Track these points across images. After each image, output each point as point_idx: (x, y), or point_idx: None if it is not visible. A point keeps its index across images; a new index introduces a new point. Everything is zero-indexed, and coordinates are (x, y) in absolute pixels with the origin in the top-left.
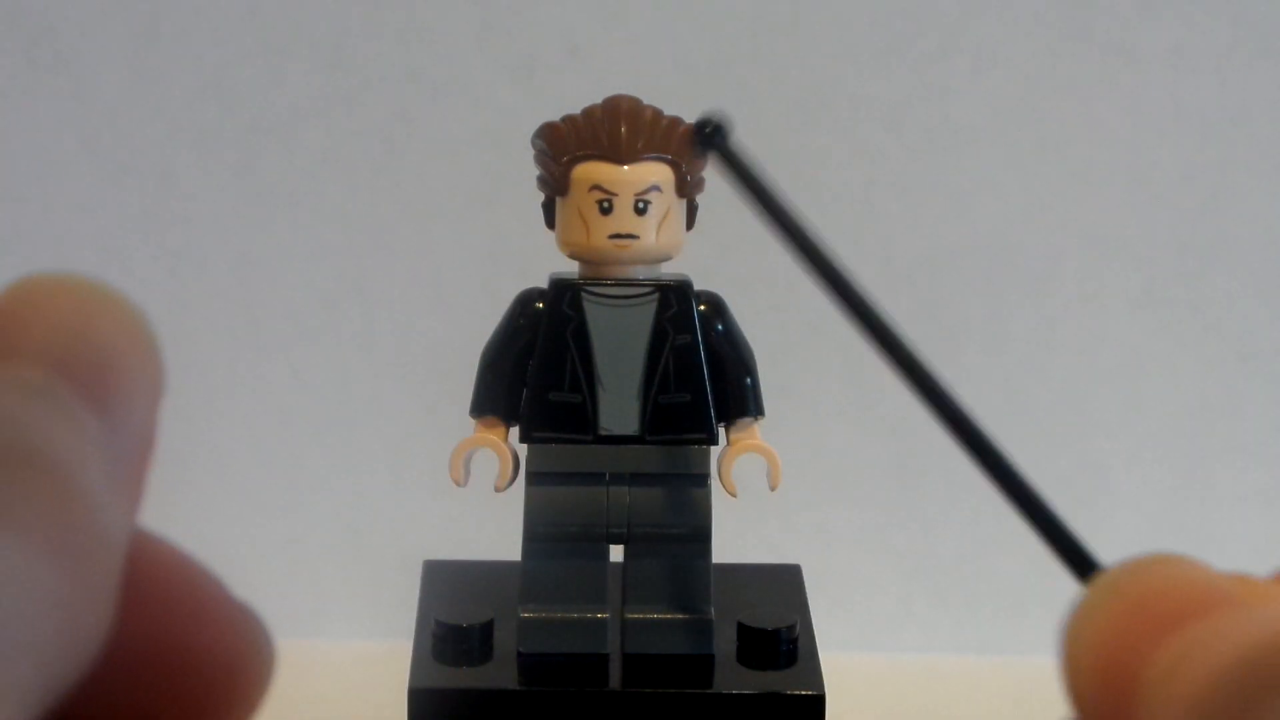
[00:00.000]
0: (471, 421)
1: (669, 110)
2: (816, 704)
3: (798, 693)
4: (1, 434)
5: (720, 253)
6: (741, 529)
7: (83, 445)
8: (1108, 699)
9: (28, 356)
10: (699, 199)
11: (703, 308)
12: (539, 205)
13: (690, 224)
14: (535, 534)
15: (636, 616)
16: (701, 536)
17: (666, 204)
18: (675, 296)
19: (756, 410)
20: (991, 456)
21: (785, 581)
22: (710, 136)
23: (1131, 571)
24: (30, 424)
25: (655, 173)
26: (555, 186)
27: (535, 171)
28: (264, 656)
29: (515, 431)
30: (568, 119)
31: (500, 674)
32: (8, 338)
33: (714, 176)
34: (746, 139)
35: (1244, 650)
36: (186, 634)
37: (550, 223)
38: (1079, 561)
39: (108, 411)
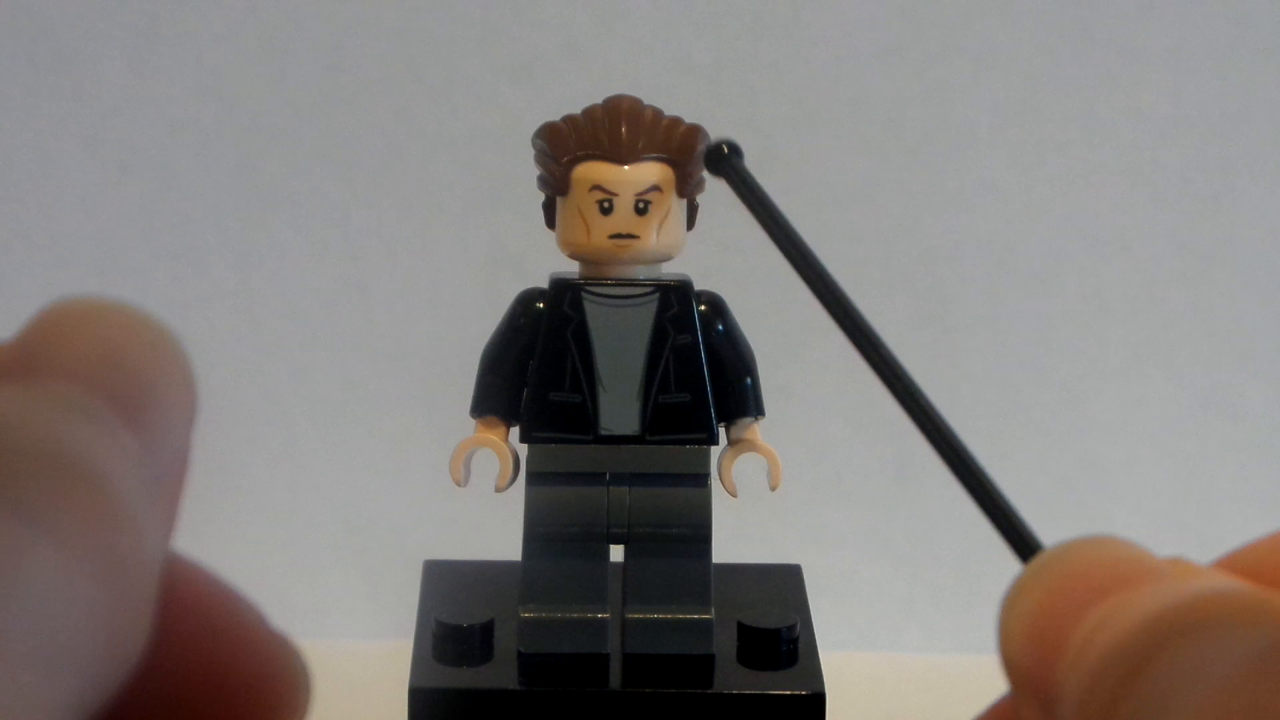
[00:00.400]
0: (472, 421)
1: (669, 110)
2: (816, 704)
3: (798, 693)
4: (43, 445)
5: (720, 253)
6: (741, 529)
7: (122, 461)
8: (1036, 666)
9: (66, 375)
10: (699, 199)
11: (703, 308)
12: (539, 205)
13: (690, 224)
14: (535, 534)
15: (636, 616)
16: (701, 536)
17: (667, 204)
18: (675, 296)
19: (757, 410)
20: (950, 443)
21: (785, 581)
22: (723, 159)
23: (1065, 550)
24: (71, 436)
25: (655, 173)
26: (555, 186)
27: (535, 171)
28: (300, 688)
29: (515, 431)
30: (568, 119)
31: (500, 674)
32: (47, 357)
33: (714, 178)
34: (746, 139)
35: (1153, 611)
36: (224, 662)
37: (550, 223)
38: (1023, 544)
39: (144, 431)
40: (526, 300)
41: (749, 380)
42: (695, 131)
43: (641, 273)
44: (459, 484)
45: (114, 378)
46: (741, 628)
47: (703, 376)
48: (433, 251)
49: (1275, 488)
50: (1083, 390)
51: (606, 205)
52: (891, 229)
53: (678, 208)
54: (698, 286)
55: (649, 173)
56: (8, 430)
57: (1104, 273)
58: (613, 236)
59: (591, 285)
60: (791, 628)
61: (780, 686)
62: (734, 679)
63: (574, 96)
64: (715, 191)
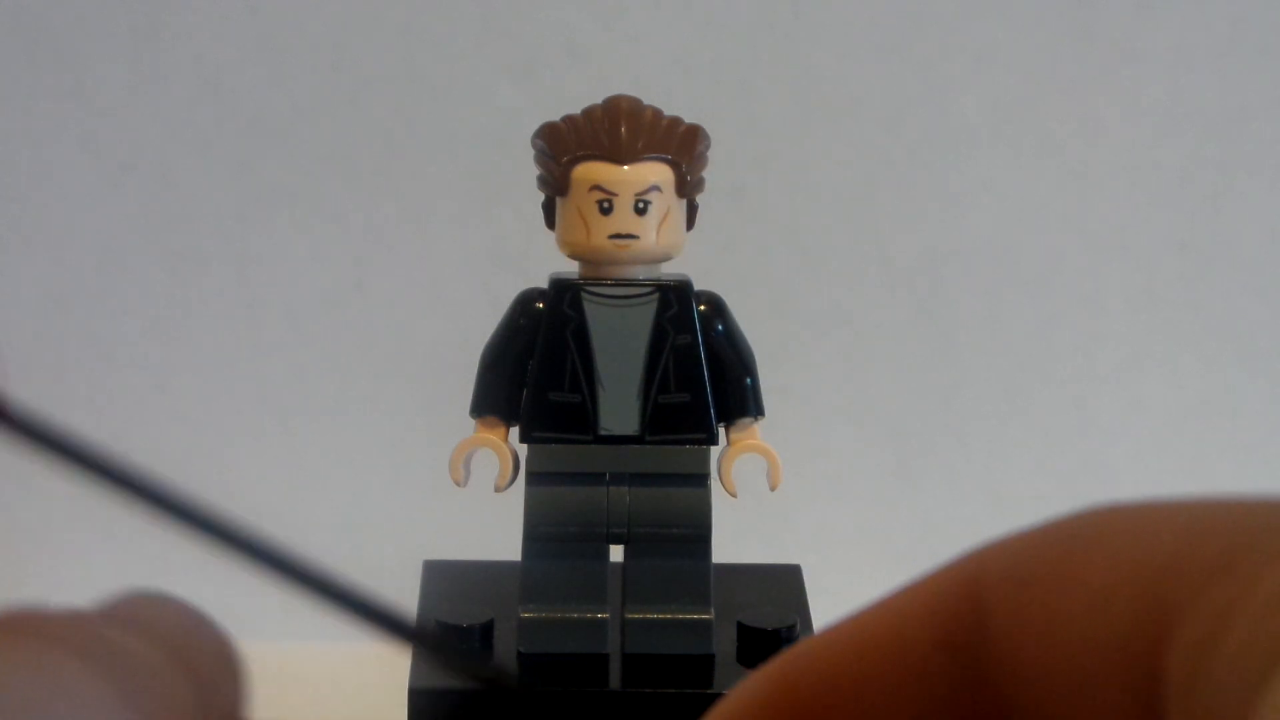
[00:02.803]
0: (471, 421)
1: (669, 110)
2: None
3: None
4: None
5: (720, 253)
6: (741, 529)
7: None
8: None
9: (154, 640)
10: (699, 199)
11: (703, 308)
12: (539, 205)
13: (690, 224)
14: (535, 534)
15: (636, 616)
16: (701, 536)
17: (666, 204)
18: (675, 296)
19: (756, 410)
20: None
21: (785, 581)
22: None
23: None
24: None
25: (655, 173)
26: (555, 186)
27: (535, 171)
28: None
29: (515, 431)
30: (568, 119)
31: (500, 674)
32: (116, 633)
33: (713, 177)
34: (746, 139)
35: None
36: None
37: (550, 223)
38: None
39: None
40: (526, 300)
41: (749, 380)
42: (695, 131)
43: (641, 273)
44: (459, 484)
45: (186, 658)
46: (741, 628)
47: (702, 376)
48: (433, 251)
49: (1275, 488)
50: (1083, 390)
51: (606, 205)
52: (891, 229)
53: (677, 208)
54: (698, 286)
55: (649, 173)
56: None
57: (1104, 273)
58: (612, 236)
59: (591, 285)
60: (791, 628)
61: None
62: (734, 679)
63: (574, 96)
64: (715, 191)
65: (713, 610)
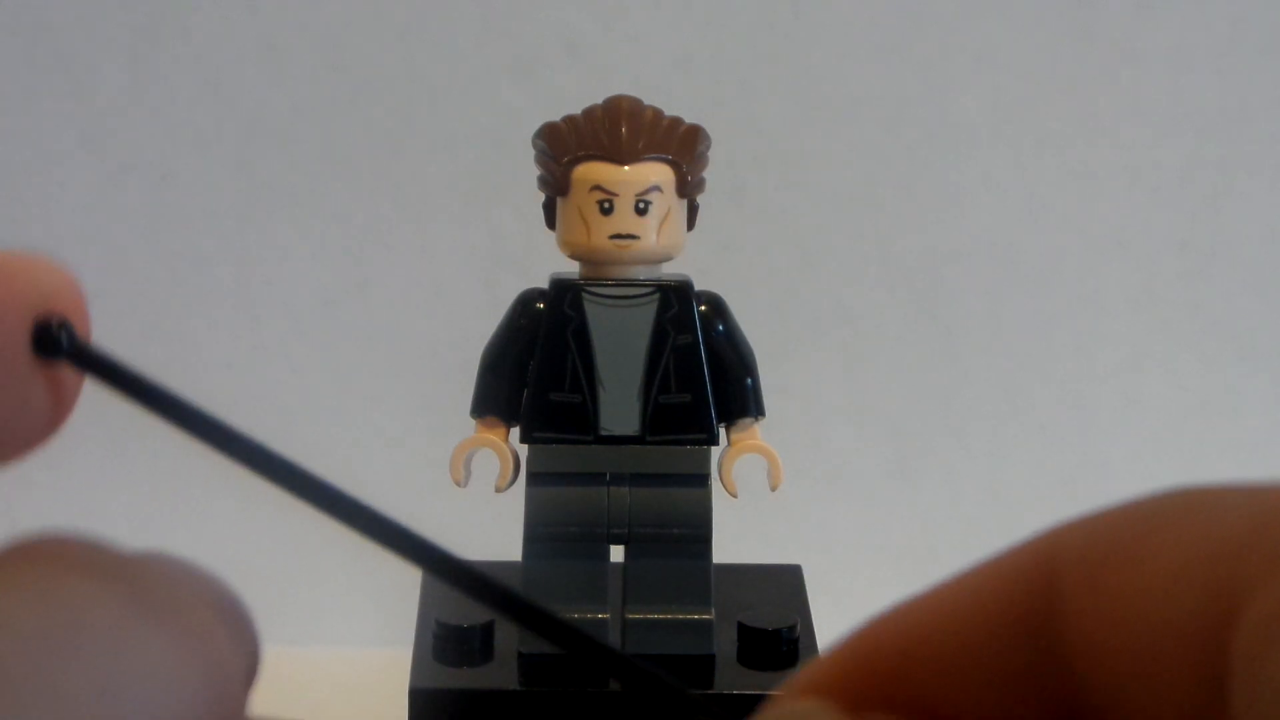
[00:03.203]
0: (472, 422)
1: (669, 110)
2: None
3: None
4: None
5: (720, 253)
6: (741, 529)
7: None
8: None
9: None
10: (699, 199)
11: (703, 308)
12: (539, 205)
13: (691, 224)
14: (535, 534)
15: (637, 616)
16: (701, 537)
17: (667, 204)
18: (676, 297)
19: (757, 410)
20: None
21: (785, 581)
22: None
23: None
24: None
25: (656, 173)
26: (556, 187)
27: (535, 171)
28: None
29: (516, 432)
30: (568, 119)
31: (501, 674)
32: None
33: (713, 177)
34: (746, 139)
35: None
36: None
37: (550, 223)
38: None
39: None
40: (526, 300)
41: (749, 380)
42: (696, 132)
43: (642, 273)
44: (459, 484)
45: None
46: (742, 628)
47: (703, 377)
48: (433, 251)
49: None
50: (1083, 390)
51: (607, 205)
52: (891, 228)
53: (678, 208)
54: (698, 286)
55: (649, 173)
56: (163, 581)
57: (1104, 272)
58: (613, 237)
59: (592, 285)
60: (791, 628)
61: (780, 687)
62: (734, 679)
63: (574, 96)
64: (715, 191)
65: (713, 610)
